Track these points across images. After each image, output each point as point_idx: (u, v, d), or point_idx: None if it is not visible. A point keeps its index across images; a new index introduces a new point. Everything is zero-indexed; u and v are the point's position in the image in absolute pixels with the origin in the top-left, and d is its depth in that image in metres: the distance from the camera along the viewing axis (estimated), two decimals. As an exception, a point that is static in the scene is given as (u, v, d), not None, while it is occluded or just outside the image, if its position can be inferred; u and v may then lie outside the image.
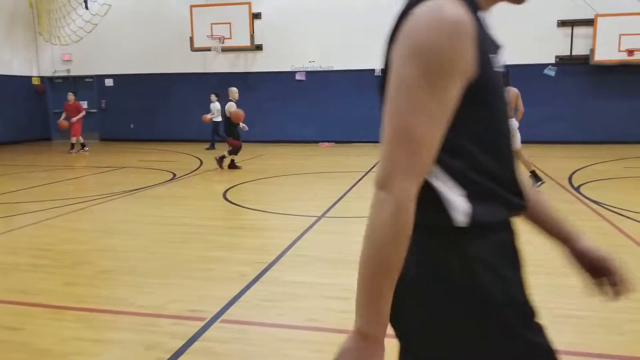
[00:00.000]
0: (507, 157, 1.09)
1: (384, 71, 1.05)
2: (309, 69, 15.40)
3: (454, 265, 1.03)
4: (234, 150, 9.65)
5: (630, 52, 12.94)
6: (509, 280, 1.06)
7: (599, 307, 3.17)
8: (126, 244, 4.92)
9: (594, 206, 6.20)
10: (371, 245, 0.96)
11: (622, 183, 7.98)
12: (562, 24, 13.79)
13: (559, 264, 3.73)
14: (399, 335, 1.12)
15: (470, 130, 1.02)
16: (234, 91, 9.85)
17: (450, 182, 1.03)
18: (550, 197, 6.70)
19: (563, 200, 6.59)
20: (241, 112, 9.30)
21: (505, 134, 1.09)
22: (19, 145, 15.19)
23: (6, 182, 8.61)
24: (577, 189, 7.36)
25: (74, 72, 16.87)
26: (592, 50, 13.31)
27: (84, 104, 14.65)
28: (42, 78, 17.04)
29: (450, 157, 1.02)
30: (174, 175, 9.13)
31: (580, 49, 13.74)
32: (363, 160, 11.43)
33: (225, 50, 15.24)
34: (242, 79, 15.87)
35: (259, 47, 15.46)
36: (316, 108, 15.39)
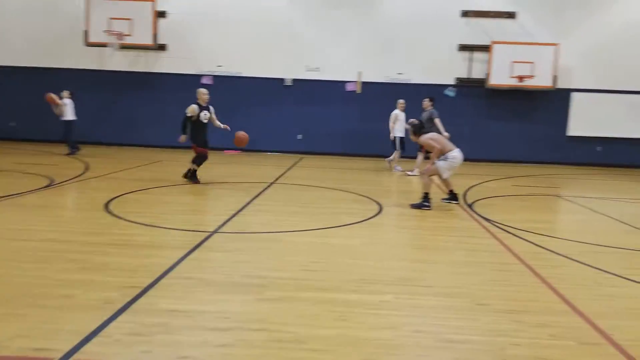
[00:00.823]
0: None
1: None
2: (216, 74, 14.85)
3: None
4: (199, 159, 8.55)
5: (521, 78, 13.93)
6: None
7: (480, 330, 3.10)
8: (-32, 263, 4.11)
9: (485, 223, 6.36)
10: None
11: (510, 201, 8.36)
12: (463, 48, 14.53)
13: (449, 284, 3.65)
14: None
15: None
16: (202, 92, 8.45)
17: None
18: (446, 214, 6.82)
19: (458, 217, 6.71)
20: (242, 136, 8.43)
21: None
22: None
23: None
24: (470, 205, 7.56)
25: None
26: (488, 75, 14.15)
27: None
28: None
29: None
30: (52, 181, 8.14)
31: (478, 73, 14.57)
32: (268, 170, 11.10)
33: (124, 47, 14.27)
34: (143, 79, 14.94)
35: (162, 47, 14.68)
36: (223, 114, 14.83)
